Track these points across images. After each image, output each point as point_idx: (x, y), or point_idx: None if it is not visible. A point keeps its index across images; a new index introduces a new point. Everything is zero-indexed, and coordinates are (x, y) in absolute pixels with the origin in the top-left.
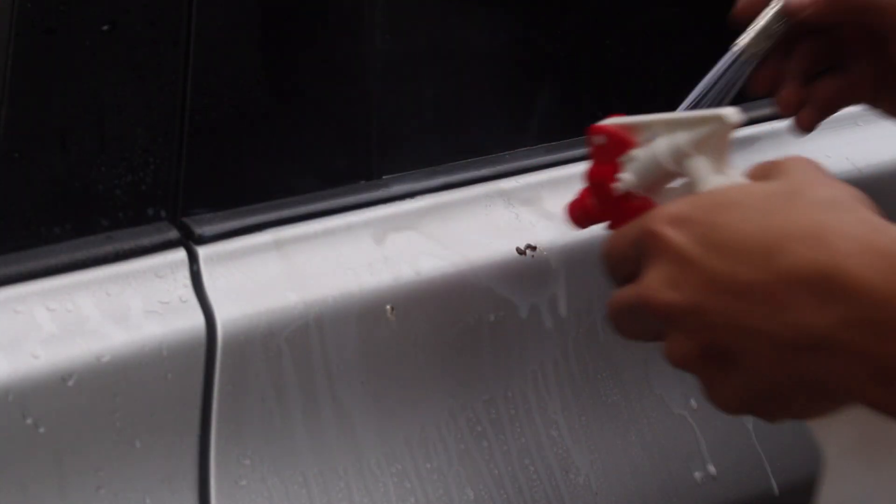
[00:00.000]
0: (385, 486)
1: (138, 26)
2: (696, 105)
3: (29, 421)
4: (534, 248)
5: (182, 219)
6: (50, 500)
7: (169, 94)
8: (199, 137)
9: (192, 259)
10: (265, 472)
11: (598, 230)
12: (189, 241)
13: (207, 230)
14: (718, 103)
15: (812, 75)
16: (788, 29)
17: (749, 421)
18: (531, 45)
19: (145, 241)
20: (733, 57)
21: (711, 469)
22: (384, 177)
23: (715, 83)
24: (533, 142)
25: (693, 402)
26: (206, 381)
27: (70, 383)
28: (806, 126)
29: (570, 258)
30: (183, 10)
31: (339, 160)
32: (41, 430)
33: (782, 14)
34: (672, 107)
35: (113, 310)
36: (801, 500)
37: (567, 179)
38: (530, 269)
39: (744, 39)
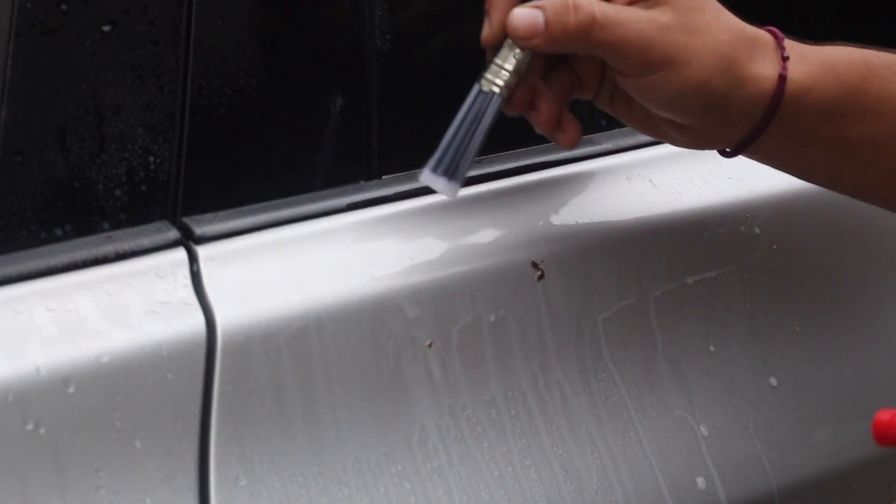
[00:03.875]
0: (385, 486)
1: (138, 26)
2: (449, 145)
3: (29, 421)
4: (540, 270)
5: (182, 219)
6: (50, 500)
7: (169, 94)
8: (199, 137)
9: (192, 259)
10: (265, 472)
11: (594, 228)
12: (189, 241)
13: (207, 230)
14: (471, 139)
15: (566, 95)
16: (533, 56)
17: (749, 421)
18: None
19: (145, 241)
20: (478, 93)
21: (712, 470)
22: (384, 177)
23: (464, 119)
24: (533, 142)
25: (694, 405)
26: (206, 382)
27: (70, 383)
28: (570, 143)
29: (568, 259)
30: (183, 10)
31: (339, 160)
32: (41, 430)
33: (516, 45)
34: None
35: (113, 310)
36: (801, 500)
37: (567, 179)
38: (530, 270)
39: (487, 75)
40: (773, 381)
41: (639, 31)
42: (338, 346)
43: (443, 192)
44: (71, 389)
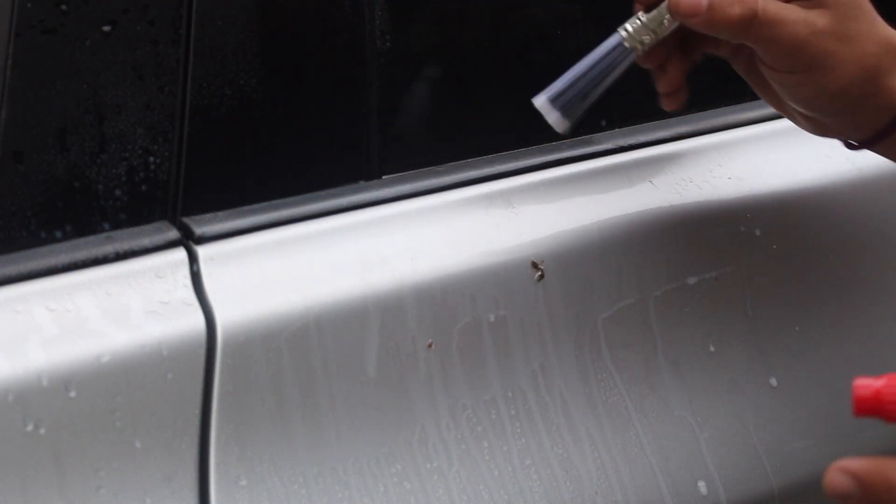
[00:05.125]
0: (385, 486)
1: (138, 26)
2: (573, 84)
3: (29, 421)
4: (540, 270)
5: (182, 219)
6: (50, 500)
7: (169, 94)
8: (199, 137)
9: (192, 259)
10: (265, 472)
11: (594, 228)
12: (189, 241)
13: (207, 230)
14: (597, 86)
15: (698, 52)
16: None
17: (749, 421)
18: (531, 45)
19: (145, 241)
20: (619, 45)
21: (712, 470)
22: (384, 177)
23: (596, 64)
24: (533, 142)
25: (694, 405)
26: (206, 381)
27: (70, 384)
28: (675, 107)
29: (568, 259)
30: (183, 10)
31: (339, 160)
32: (41, 430)
33: (671, 13)
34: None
35: (113, 310)
36: (801, 500)
37: (567, 179)
38: (530, 270)
39: (631, 30)
40: (773, 381)
41: (794, 34)
42: (338, 346)
43: (554, 124)
44: (71, 390)
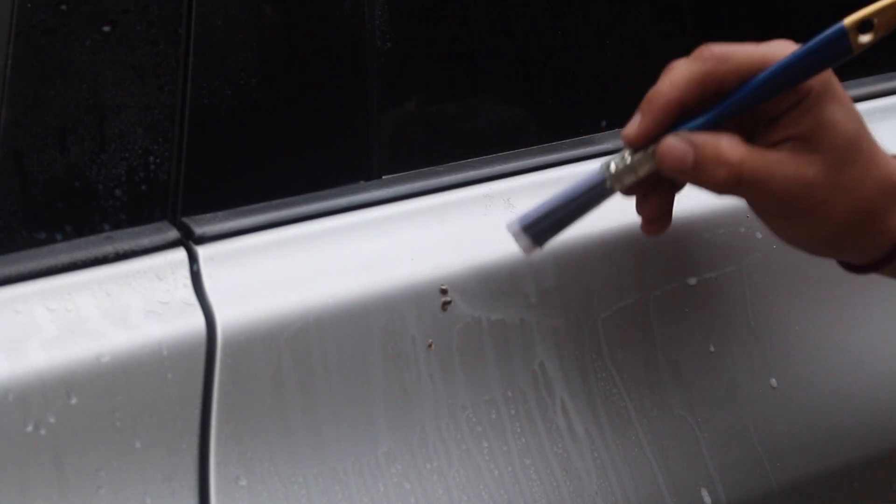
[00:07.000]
0: (385, 486)
1: (138, 26)
2: (549, 215)
3: (29, 422)
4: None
5: (182, 219)
6: (50, 500)
7: (169, 94)
8: (199, 137)
9: (192, 259)
10: (265, 472)
11: (594, 228)
12: (189, 241)
13: (207, 230)
14: (570, 219)
15: (678, 188)
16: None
17: (749, 421)
18: (531, 45)
19: (145, 241)
20: (600, 183)
21: (712, 470)
22: (384, 177)
23: (574, 198)
24: (533, 142)
25: (694, 405)
26: (206, 381)
27: (70, 384)
28: (654, 233)
29: (568, 259)
30: (183, 10)
31: (339, 160)
32: (41, 430)
33: (656, 164)
34: None
35: (113, 310)
36: (801, 501)
37: (566, 180)
38: (529, 270)
39: (614, 170)
40: (774, 382)
41: (782, 189)
42: (338, 346)
43: (523, 249)
44: (71, 390)
